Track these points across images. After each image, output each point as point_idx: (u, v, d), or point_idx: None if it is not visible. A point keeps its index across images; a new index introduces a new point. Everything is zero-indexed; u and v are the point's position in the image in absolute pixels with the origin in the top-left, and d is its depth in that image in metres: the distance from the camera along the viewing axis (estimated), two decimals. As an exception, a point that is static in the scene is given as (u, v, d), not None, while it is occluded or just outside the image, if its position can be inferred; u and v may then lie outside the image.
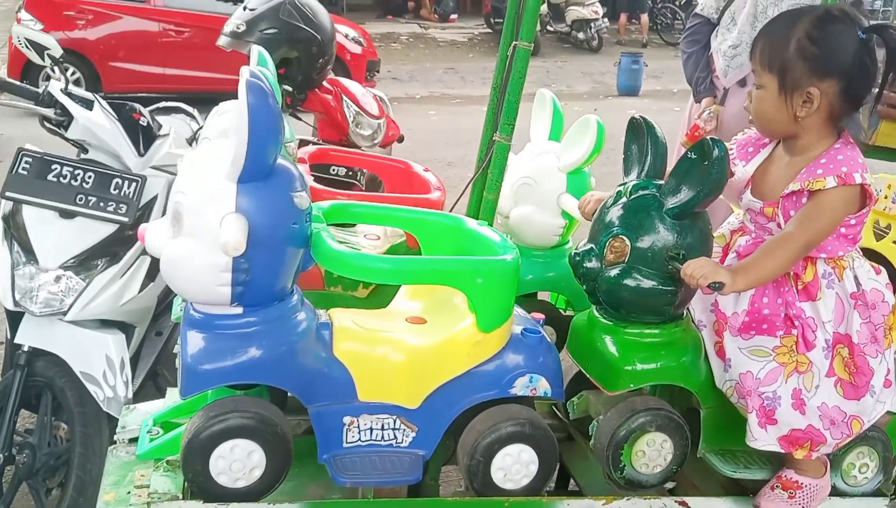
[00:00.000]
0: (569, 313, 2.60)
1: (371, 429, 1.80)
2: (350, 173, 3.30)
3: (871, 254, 2.11)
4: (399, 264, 1.78)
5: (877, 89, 1.96)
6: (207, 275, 1.62)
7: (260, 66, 2.32)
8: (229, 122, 2.42)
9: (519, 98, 2.45)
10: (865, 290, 1.98)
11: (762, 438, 1.94)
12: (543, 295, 2.71)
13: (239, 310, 1.69)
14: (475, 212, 2.53)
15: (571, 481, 2.40)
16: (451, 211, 2.62)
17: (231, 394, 1.77)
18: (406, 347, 1.80)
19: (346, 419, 1.78)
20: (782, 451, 1.96)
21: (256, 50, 2.45)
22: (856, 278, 1.99)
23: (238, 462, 1.69)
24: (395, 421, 1.81)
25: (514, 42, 2.45)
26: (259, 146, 1.58)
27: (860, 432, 1.98)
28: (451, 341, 1.81)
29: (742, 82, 4.03)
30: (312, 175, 2.83)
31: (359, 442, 1.80)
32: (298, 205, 1.68)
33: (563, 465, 2.29)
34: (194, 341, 1.69)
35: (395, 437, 1.82)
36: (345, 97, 3.56)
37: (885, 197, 2.13)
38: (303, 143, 3.56)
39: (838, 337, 1.97)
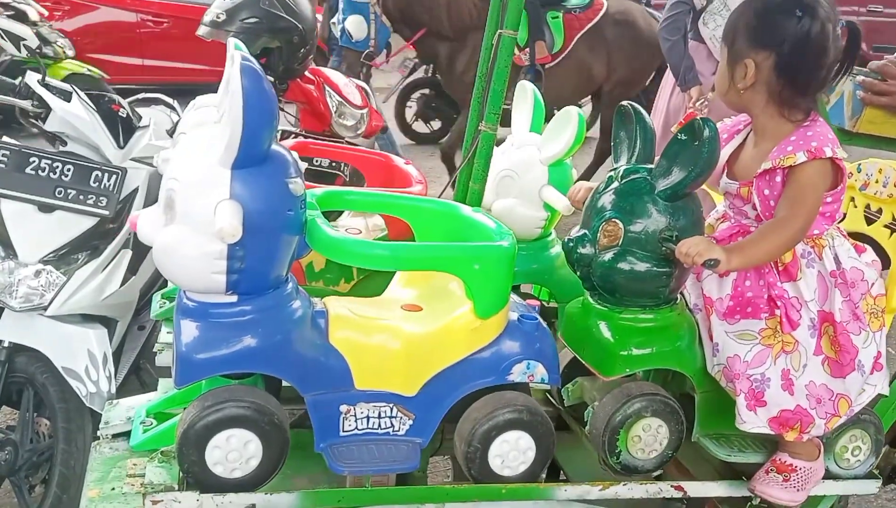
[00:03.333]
0: (552, 304, 2.60)
1: (368, 417, 1.78)
2: (334, 165, 3.28)
3: (861, 238, 2.12)
4: (396, 250, 1.77)
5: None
6: (202, 263, 1.59)
7: None
8: (206, 116, 2.40)
9: (504, 87, 2.44)
10: (845, 268, 2.00)
11: (751, 420, 1.95)
12: (526, 288, 2.71)
13: (233, 298, 1.66)
14: (461, 202, 2.51)
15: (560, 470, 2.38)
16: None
17: (225, 384, 1.75)
18: (403, 334, 1.78)
19: (343, 408, 1.76)
20: (773, 433, 1.97)
21: (232, 42, 2.42)
22: (836, 256, 2.01)
23: (234, 451, 1.66)
24: (391, 409, 1.79)
25: (498, 30, 2.44)
26: (254, 131, 1.55)
27: (848, 413, 1.99)
28: (449, 328, 1.79)
29: None
30: None
31: (356, 431, 1.78)
32: (293, 191, 1.65)
33: None
34: (188, 330, 1.66)
35: (392, 425, 1.80)
36: (327, 87, 3.54)
37: (877, 181, 2.14)
38: (284, 134, 3.53)
39: (823, 315, 1.98)
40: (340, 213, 3.13)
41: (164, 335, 2.60)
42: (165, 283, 2.93)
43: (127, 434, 2.27)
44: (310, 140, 3.32)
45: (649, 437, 1.94)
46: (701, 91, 4.25)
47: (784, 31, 1.93)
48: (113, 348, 3.01)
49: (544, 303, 2.59)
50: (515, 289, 2.57)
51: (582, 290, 2.27)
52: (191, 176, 1.60)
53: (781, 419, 1.94)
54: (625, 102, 2.04)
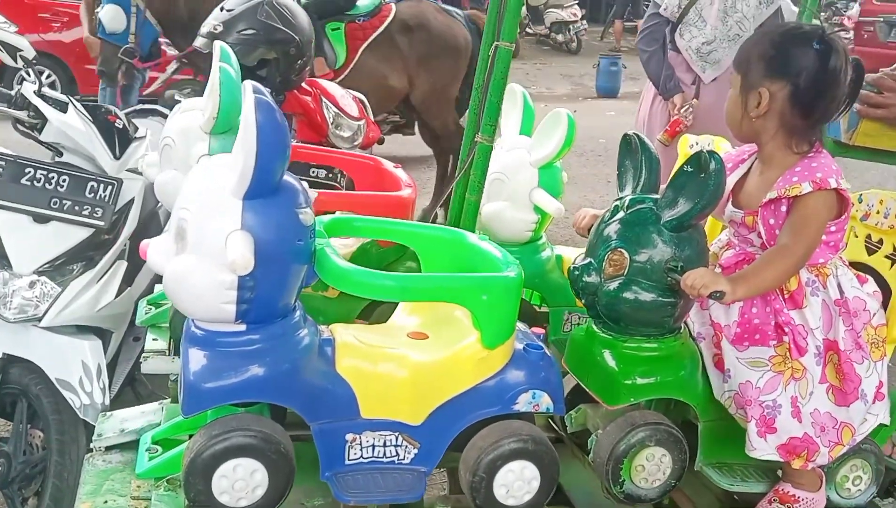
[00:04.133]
0: (543, 309, 2.61)
1: (373, 446, 1.78)
2: (330, 176, 3.27)
3: (863, 268, 2.14)
4: (404, 281, 1.77)
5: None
6: (212, 292, 1.59)
7: (223, 61, 2.29)
8: (192, 120, 2.39)
9: (501, 99, 2.45)
10: (848, 298, 2.03)
11: (761, 447, 1.96)
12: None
13: (242, 327, 1.66)
14: (457, 213, 2.52)
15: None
16: (432, 211, 2.61)
17: (232, 411, 1.74)
18: (409, 363, 1.78)
19: (349, 437, 1.76)
20: (781, 460, 1.98)
21: (219, 45, 2.41)
22: (839, 285, 2.03)
23: (241, 481, 1.66)
24: (397, 438, 1.79)
25: (495, 42, 2.44)
26: (267, 163, 1.56)
27: (851, 442, 2.01)
28: (455, 357, 1.80)
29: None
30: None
31: (361, 459, 1.78)
32: (304, 221, 1.66)
33: None
34: (196, 358, 1.66)
35: (398, 454, 1.80)
36: (324, 99, 3.52)
37: (878, 212, 2.17)
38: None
39: (828, 344, 2.00)
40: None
41: (151, 343, 2.59)
42: (155, 291, 2.92)
43: (120, 447, 2.27)
44: (296, 144, 3.30)
45: (653, 466, 1.95)
46: (685, 98, 4.29)
47: (801, 62, 1.95)
48: (107, 359, 3.00)
49: (536, 307, 2.60)
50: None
51: (572, 295, 2.28)
52: (202, 206, 1.60)
53: (790, 446, 1.96)
54: (630, 132, 2.05)
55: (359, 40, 5.95)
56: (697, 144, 2.91)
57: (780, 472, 2.07)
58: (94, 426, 2.40)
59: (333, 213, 2.84)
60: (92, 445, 2.30)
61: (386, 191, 2.76)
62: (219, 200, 1.59)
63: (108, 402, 2.85)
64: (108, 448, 2.28)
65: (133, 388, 3.20)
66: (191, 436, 1.73)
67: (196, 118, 2.38)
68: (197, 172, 1.67)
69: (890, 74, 2.45)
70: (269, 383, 1.67)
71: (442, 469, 2.56)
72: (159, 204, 3.26)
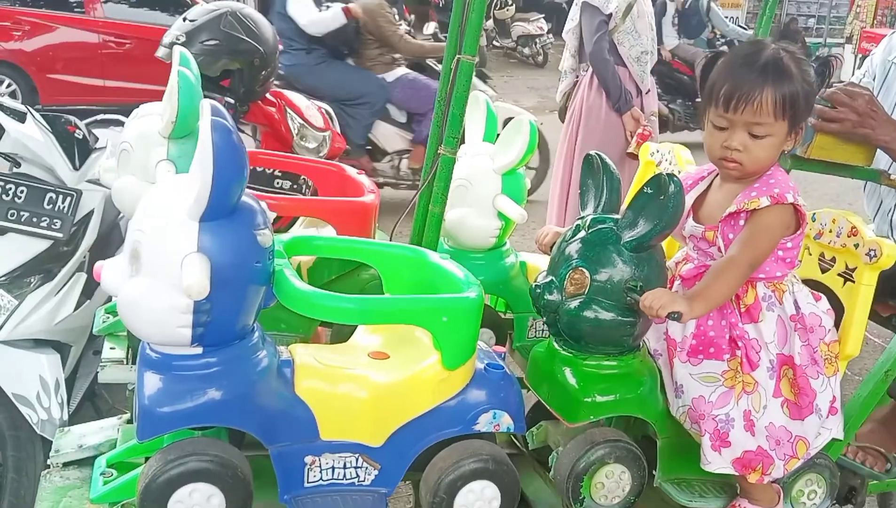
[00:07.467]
0: (508, 315, 2.61)
1: (333, 468, 1.77)
2: (295, 187, 3.26)
3: (816, 286, 2.17)
4: (364, 304, 1.75)
5: None
6: (167, 316, 1.56)
7: (182, 65, 2.27)
8: (150, 125, 2.37)
9: (463, 111, 2.44)
10: (804, 313, 2.05)
11: (715, 461, 1.98)
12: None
13: (198, 350, 1.63)
14: (421, 225, 2.51)
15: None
16: (396, 224, 2.60)
17: (189, 434, 1.72)
18: (370, 384, 1.77)
19: (308, 459, 1.74)
20: (736, 474, 2.00)
21: (178, 50, 2.38)
22: (796, 301, 2.06)
23: (197, 506, 1.63)
24: (357, 459, 1.78)
25: (457, 55, 2.44)
26: (224, 185, 1.53)
27: (805, 455, 2.04)
28: (416, 378, 1.79)
29: None
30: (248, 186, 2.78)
31: (320, 482, 1.76)
32: (262, 243, 1.63)
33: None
34: (151, 382, 1.62)
35: (358, 475, 1.78)
36: (289, 110, 3.51)
37: (830, 231, 2.20)
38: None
39: (782, 359, 2.02)
40: (292, 224, 3.10)
41: (108, 352, 2.54)
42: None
43: (78, 463, 2.24)
44: (258, 151, 3.28)
45: (612, 483, 1.95)
46: (638, 110, 4.36)
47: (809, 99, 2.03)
48: (66, 373, 2.96)
49: (500, 314, 2.60)
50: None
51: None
52: (157, 227, 1.57)
53: (745, 459, 1.98)
54: (592, 152, 2.05)
55: None
56: (658, 151, 2.93)
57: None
58: (52, 442, 2.36)
59: (297, 219, 2.85)
60: (49, 461, 2.27)
61: (349, 197, 2.75)
62: (174, 221, 1.56)
63: (66, 417, 2.82)
64: (66, 465, 2.24)
65: (93, 402, 3.17)
66: (147, 459, 1.71)
67: (154, 123, 2.35)
68: (152, 193, 1.65)
69: (843, 89, 2.51)
70: (227, 407, 1.64)
71: (407, 482, 2.56)
72: (120, 215, 3.23)
